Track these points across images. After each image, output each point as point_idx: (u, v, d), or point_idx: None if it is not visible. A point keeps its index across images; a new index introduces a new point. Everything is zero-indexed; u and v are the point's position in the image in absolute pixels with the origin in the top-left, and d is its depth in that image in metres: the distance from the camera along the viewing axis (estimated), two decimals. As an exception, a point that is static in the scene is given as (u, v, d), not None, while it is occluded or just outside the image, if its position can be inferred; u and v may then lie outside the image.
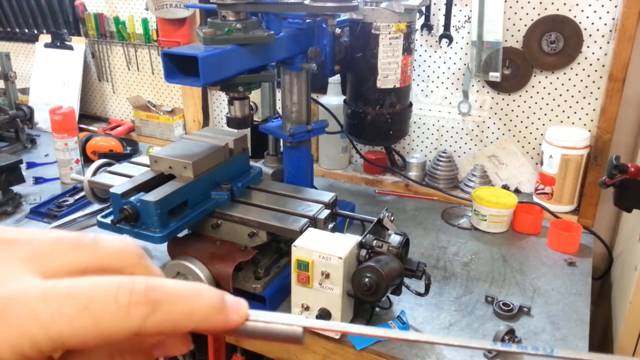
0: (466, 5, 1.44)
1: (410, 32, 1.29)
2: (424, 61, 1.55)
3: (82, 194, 1.46)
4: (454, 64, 1.52)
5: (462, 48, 1.49)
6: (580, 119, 1.42)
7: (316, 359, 1.01)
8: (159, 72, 1.98)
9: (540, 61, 1.41)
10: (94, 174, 1.24)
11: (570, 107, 1.42)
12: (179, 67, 0.99)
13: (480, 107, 1.53)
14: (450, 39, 1.48)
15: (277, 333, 0.27)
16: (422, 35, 1.52)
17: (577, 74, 1.39)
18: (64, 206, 1.45)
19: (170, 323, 0.23)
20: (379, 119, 1.33)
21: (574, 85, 1.40)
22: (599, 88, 1.37)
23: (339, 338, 0.97)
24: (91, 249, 0.25)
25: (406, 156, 1.64)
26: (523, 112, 1.48)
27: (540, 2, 1.37)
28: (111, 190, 1.03)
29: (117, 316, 0.22)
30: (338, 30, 1.22)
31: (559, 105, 1.44)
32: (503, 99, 1.50)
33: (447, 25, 1.47)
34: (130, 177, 1.14)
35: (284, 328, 0.27)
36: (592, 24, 1.33)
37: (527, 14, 1.39)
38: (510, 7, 1.40)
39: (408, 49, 1.29)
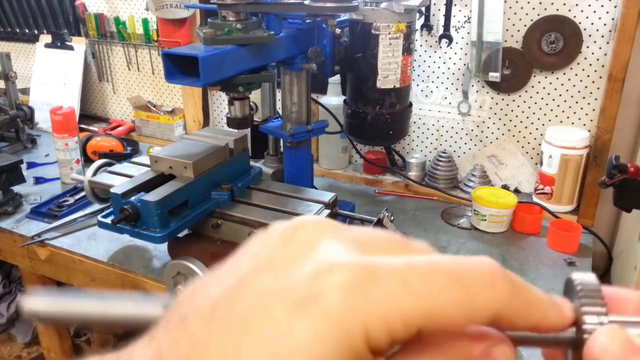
0: (466, 5, 1.44)
1: (410, 32, 1.29)
2: (424, 61, 1.55)
3: (82, 194, 1.46)
4: (454, 64, 1.52)
5: (462, 48, 1.49)
6: (579, 119, 1.42)
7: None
8: (160, 72, 1.98)
9: (540, 61, 1.41)
10: (95, 174, 1.24)
11: (570, 107, 1.43)
12: (179, 67, 0.99)
13: (480, 107, 1.53)
14: (450, 39, 1.48)
15: None
16: (422, 35, 1.52)
17: (576, 74, 1.39)
18: (65, 206, 1.45)
19: (525, 314, 0.22)
20: (379, 119, 1.33)
21: (574, 86, 1.40)
22: (598, 88, 1.37)
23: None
24: (404, 245, 0.25)
25: (406, 156, 1.64)
26: (523, 112, 1.49)
27: (540, 2, 1.37)
28: (111, 190, 1.03)
29: (487, 290, 0.21)
30: (338, 31, 1.22)
31: (558, 105, 1.44)
32: (503, 99, 1.50)
33: (447, 26, 1.47)
34: (130, 177, 1.14)
35: None
36: (592, 24, 1.34)
37: (526, 14, 1.39)
38: (510, 8, 1.40)
39: (408, 49, 1.29)
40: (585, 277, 0.24)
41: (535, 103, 1.46)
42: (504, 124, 1.52)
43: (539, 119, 1.47)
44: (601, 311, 0.23)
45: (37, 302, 0.25)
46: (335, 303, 0.19)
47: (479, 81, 1.50)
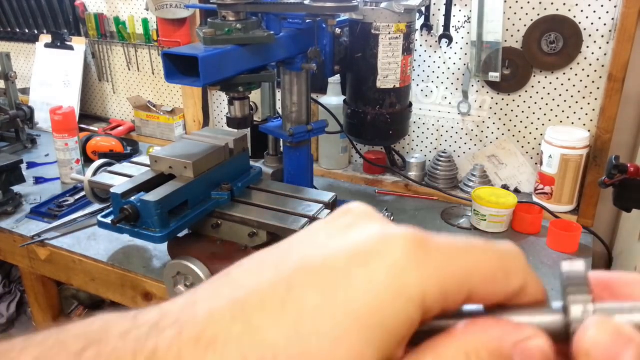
0: (466, 5, 1.44)
1: (410, 32, 1.29)
2: (424, 61, 1.55)
3: (82, 194, 1.46)
4: (454, 64, 1.52)
5: (462, 48, 1.49)
6: (579, 119, 1.42)
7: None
8: (160, 72, 1.98)
9: (540, 61, 1.41)
10: (95, 174, 1.24)
11: (570, 107, 1.43)
12: (179, 67, 0.99)
13: (480, 107, 1.53)
14: (450, 39, 1.48)
15: None
16: (422, 35, 1.52)
17: (576, 74, 1.39)
18: (65, 206, 1.45)
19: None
20: (379, 119, 1.33)
21: (574, 86, 1.40)
22: (598, 88, 1.37)
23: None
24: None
25: (406, 156, 1.64)
26: (523, 112, 1.49)
27: (540, 2, 1.37)
28: (111, 190, 1.03)
29: (517, 260, 0.24)
30: (338, 31, 1.22)
31: (558, 106, 1.44)
32: (503, 99, 1.50)
33: (447, 26, 1.47)
34: (130, 177, 1.14)
35: None
36: (592, 24, 1.34)
37: (526, 14, 1.39)
38: (510, 8, 1.40)
39: (408, 49, 1.29)
40: (573, 266, 0.24)
41: (535, 103, 1.46)
42: (504, 124, 1.52)
43: (539, 119, 1.47)
44: (587, 299, 0.23)
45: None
46: (395, 262, 0.21)
47: (479, 81, 1.50)
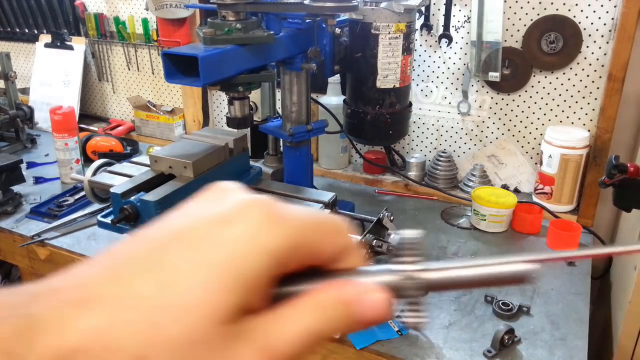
0: (466, 5, 1.44)
1: (410, 32, 1.29)
2: (424, 61, 1.55)
3: (82, 194, 1.46)
4: (454, 64, 1.52)
5: (462, 48, 1.49)
6: (579, 119, 1.42)
7: (316, 358, 1.01)
8: (160, 72, 1.98)
9: (540, 61, 1.41)
10: (95, 174, 1.24)
11: (570, 107, 1.43)
12: (179, 67, 0.99)
13: (480, 107, 1.53)
14: (450, 39, 1.48)
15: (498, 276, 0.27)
16: (422, 35, 1.52)
17: (576, 74, 1.39)
18: (65, 206, 1.45)
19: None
20: (379, 119, 1.33)
21: (574, 86, 1.40)
22: (598, 88, 1.37)
23: (338, 337, 0.97)
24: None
25: (406, 156, 1.64)
26: (523, 112, 1.49)
27: (540, 2, 1.37)
28: (111, 190, 1.03)
29: (345, 230, 0.29)
30: (338, 31, 1.22)
31: (558, 106, 1.44)
32: (503, 99, 1.50)
33: (447, 26, 1.47)
34: (130, 177, 1.14)
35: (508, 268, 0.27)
36: (592, 24, 1.34)
37: (526, 14, 1.39)
38: (510, 8, 1.40)
39: (408, 49, 1.29)
40: (406, 234, 0.28)
41: (535, 103, 1.46)
42: (504, 124, 1.52)
43: (539, 119, 1.47)
44: (413, 261, 0.28)
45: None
46: (252, 223, 0.25)
47: (479, 81, 1.50)
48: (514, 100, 1.48)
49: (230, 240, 0.25)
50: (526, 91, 1.46)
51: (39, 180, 1.64)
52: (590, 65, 1.37)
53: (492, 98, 1.51)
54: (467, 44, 1.47)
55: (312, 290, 0.27)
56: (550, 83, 1.43)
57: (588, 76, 1.38)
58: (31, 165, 1.75)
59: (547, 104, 1.45)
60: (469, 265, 0.28)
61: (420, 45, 1.53)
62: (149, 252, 0.25)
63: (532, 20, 1.39)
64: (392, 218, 1.08)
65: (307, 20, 1.18)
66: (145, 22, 1.92)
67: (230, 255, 0.24)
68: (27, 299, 0.23)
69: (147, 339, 0.22)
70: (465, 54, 1.49)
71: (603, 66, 1.35)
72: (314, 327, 0.26)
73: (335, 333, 0.27)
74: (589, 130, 1.40)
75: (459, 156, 1.61)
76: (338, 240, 0.28)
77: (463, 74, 1.50)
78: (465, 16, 1.46)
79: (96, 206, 1.39)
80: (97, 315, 0.23)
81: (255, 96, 1.52)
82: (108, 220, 1.04)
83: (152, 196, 0.99)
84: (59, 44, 2.08)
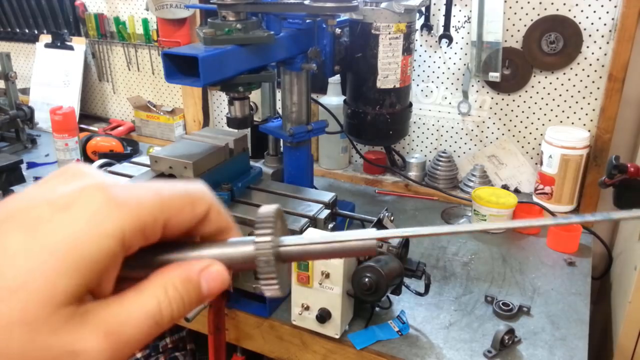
0: (466, 5, 1.44)
1: (410, 32, 1.29)
2: (424, 61, 1.55)
3: (82, 194, 1.45)
4: (454, 64, 1.52)
5: (462, 48, 1.49)
6: (579, 119, 1.42)
7: (316, 358, 1.01)
8: (159, 72, 1.98)
9: (540, 61, 1.41)
10: (95, 174, 1.24)
11: (570, 107, 1.43)
12: (179, 67, 0.99)
13: (480, 107, 1.53)
14: (450, 39, 1.48)
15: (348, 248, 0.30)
16: (422, 35, 1.52)
17: (576, 74, 1.39)
18: (65, 206, 1.45)
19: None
20: (379, 119, 1.33)
21: (574, 86, 1.40)
22: (598, 88, 1.37)
23: (339, 338, 0.97)
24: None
25: (406, 156, 1.64)
26: (523, 112, 1.49)
27: (540, 2, 1.37)
28: (111, 190, 1.03)
29: (205, 198, 0.30)
30: (338, 31, 1.22)
31: (558, 105, 1.44)
32: (503, 99, 1.50)
33: (447, 26, 1.47)
34: (130, 177, 1.14)
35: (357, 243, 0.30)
36: (592, 24, 1.34)
37: (526, 14, 1.39)
38: (510, 8, 1.40)
39: (408, 49, 1.29)
40: (266, 208, 0.30)
41: (535, 103, 1.46)
42: (504, 124, 1.52)
43: (539, 119, 1.47)
44: (267, 233, 0.30)
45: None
46: (94, 207, 0.25)
47: (479, 81, 1.50)
48: (514, 100, 1.48)
49: (68, 224, 0.24)
50: (526, 91, 1.46)
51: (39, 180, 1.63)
52: (590, 65, 1.37)
53: (492, 98, 1.51)
54: (467, 44, 1.47)
55: (157, 272, 0.28)
56: (550, 83, 1.43)
57: (588, 76, 1.38)
58: (31, 165, 1.75)
59: (547, 104, 1.45)
60: (319, 241, 0.30)
61: (420, 45, 1.53)
62: None
63: (532, 20, 1.39)
64: (392, 218, 1.08)
65: (307, 20, 1.18)
66: (145, 22, 1.92)
67: (68, 239, 0.24)
68: None
69: None
70: (465, 54, 1.49)
71: (603, 66, 1.35)
72: (158, 310, 0.26)
73: (182, 312, 0.28)
74: (589, 130, 1.40)
75: (459, 156, 1.61)
76: (192, 212, 0.28)
77: (463, 74, 1.50)
78: (465, 16, 1.46)
79: (96, 206, 1.39)
80: None
81: (255, 96, 1.52)
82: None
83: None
84: (59, 44, 2.08)
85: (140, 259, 0.28)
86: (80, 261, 0.24)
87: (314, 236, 0.31)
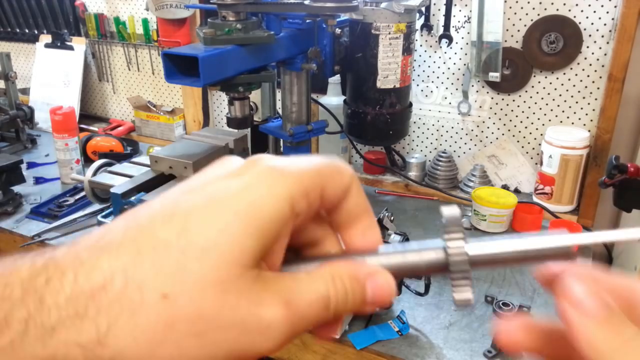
0: (466, 5, 1.44)
1: (410, 32, 1.29)
2: (424, 61, 1.55)
3: (82, 194, 1.46)
4: (454, 64, 1.52)
5: (462, 48, 1.49)
6: (579, 119, 1.42)
7: (316, 358, 1.01)
8: (160, 72, 1.98)
9: (540, 61, 1.41)
10: (95, 174, 1.24)
11: (570, 107, 1.43)
12: (179, 67, 0.99)
13: (480, 107, 1.53)
14: (450, 39, 1.48)
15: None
16: (422, 35, 1.52)
17: (576, 74, 1.39)
18: (65, 206, 1.45)
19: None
20: (379, 119, 1.33)
21: (574, 86, 1.40)
22: (598, 88, 1.38)
23: (339, 338, 0.97)
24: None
25: (406, 156, 1.64)
26: (523, 112, 1.49)
27: (540, 2, 1.37)
28: (112, 190, 1.04)
29: (347, 169, 0.30)
30: (338, 31, 1.22)
31: (558, 106, 1.44)
32: (503, 99, 1.50)
33: (447, 26, 1.47)
34: (130, 177, 1.14)
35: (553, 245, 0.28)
36: (592, 24, 1.34)
37: (526, 14, 1.39)
38: (510, 8, 1.40)
39: (408, 49, 1.29)
40: (450, 211, 0.30)
41: (535, 103, 1.46)
42: (504, 124, 1.52)
43: (539, 119, 1.47)
44: (459, 237, 0.29)
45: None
46: (265, 175, 0.26)
47: (479, 81, 1.50)
48: (514, 100, 1.48)
49: (245, 188, 0.25)
50: (526, 91, 1.46)
51: (39, 180, 1.64)
52: (590, 65, 1.37)
53: (492, 98, 1.51)
54: (467, 44, 1.47)
55: (327, 263, 0.28)
56: (550, 83, 1.43)
57: (588, 76, 1.38)
58: (31, 165, 1.75)
59: (547, 104, 1.45)
60: (512, 250, 0.29)
61: (420, 45, 1.54)
62: (164, 205, 0.25)
63: (532, 20, 1.39)
64: (392, 218, 1.08)
65: (307, 20, 1.18)
66: (145, 22, 1.92)
67: (247, 200, 0.25)
68: (48, 255, 0.24)
69: (172, 278, 0.23)
70: (465, 54, 1.49)
71: (603, 66, 1.35)
72: (330, 295, 0.26)
73: (343, 309, 0.27)
74: (589, 130, 1.40)
75: (459, 156, 1.61)
76: (341, 180, 0.29)
77: (463, 74, 1.50)
78: (465, 16, 1.46)
79: (96, 206, 1.39)
80: (119, 257, 0.23)
81: (255, 96, 1.52)
82: (108, 220, 1.04)
83: (152, 196, 0.99)
84: (59, 44, 2.08)
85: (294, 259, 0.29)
86: (261, 222, 0.25)
87: (504, 243, 0.29)
